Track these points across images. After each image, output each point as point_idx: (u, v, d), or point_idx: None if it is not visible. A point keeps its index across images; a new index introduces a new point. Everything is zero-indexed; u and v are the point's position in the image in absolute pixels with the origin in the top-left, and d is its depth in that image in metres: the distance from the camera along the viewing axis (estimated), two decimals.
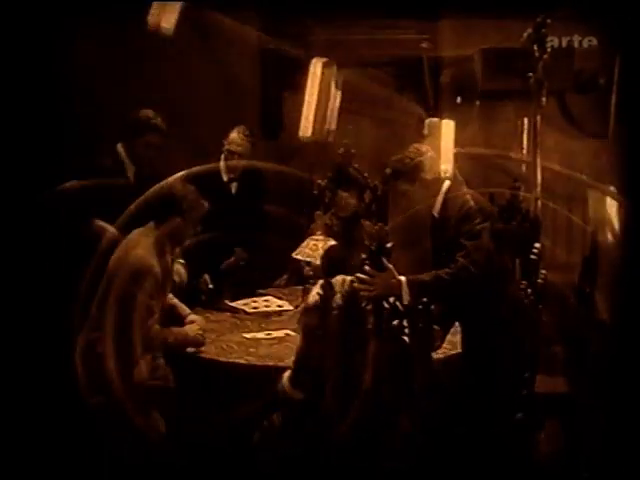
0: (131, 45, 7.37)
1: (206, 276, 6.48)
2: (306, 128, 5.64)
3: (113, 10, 6.99)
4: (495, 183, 6.58)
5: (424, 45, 8.04)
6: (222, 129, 6.83)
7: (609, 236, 5.42)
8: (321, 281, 5.05)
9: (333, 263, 5.12)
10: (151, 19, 5.70)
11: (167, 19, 5.69)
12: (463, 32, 7.88)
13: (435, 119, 5.73)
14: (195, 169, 6.29)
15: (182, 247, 5.69)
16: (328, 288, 4.98)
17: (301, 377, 4.98)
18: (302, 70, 6.19)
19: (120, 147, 6.42)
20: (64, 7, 6.88)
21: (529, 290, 5.45)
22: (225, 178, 6.72)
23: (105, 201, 6.05)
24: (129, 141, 6.38)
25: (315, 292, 5.04)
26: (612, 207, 5.49)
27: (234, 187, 6.76)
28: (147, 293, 5.35)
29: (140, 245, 5.46)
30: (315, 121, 5.58)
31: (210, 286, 6.46)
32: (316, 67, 5.58)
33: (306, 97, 5.62)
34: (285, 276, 6.92)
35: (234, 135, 6.66)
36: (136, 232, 5.56)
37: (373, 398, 4.87)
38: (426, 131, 5.67)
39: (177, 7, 5.70)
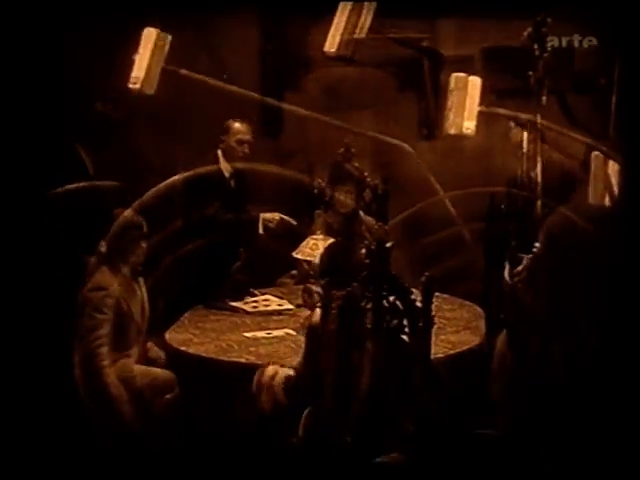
0: (130, 45, 7.38)
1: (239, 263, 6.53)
2: (332, 44, 5.64)
3: (113, 10, 7.00)
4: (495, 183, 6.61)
5: (424, 45, 8.03)
6: (222, 129, 6.83)
7: (607, 200, 5.37)
8: (322, 281, 5.05)
9: (332, 261, 5.12)
10: (132, 86, 5.76)
11: (149, 86, 5.75)
12: (463, 32, 7.88)
13: (462, 74, 5.66)
14: (197, 171, 6.31)
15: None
16: (328, 287, 4.98)
17: (300, 386, 5.01)
18: (302, 70, 6.20)
19: None
20: (64, 8, 6.90)
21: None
22: (227, 174, 6.73)
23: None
24: None
25: (319, 310, 5.07)
26: (613, 171, 5.44)
27: (233, 182, 6.76)
28: (93, 308, 5.55)
29: (96, 273, 5.73)
30: (342, 38, 5.57)
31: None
32: (345, 6, 5.60)
33: (335, 18, 5.61)
34: (288, 274, 6.92)
35: (237, 125, 6.67)
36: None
37: (372, 398, 4.86)
38: (452, 85, 5.61)
39: (157, 73, 5.75)
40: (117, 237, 5.71)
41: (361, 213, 6.66)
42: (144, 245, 5.78)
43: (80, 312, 5.64)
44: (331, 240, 6.07)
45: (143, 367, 5.73)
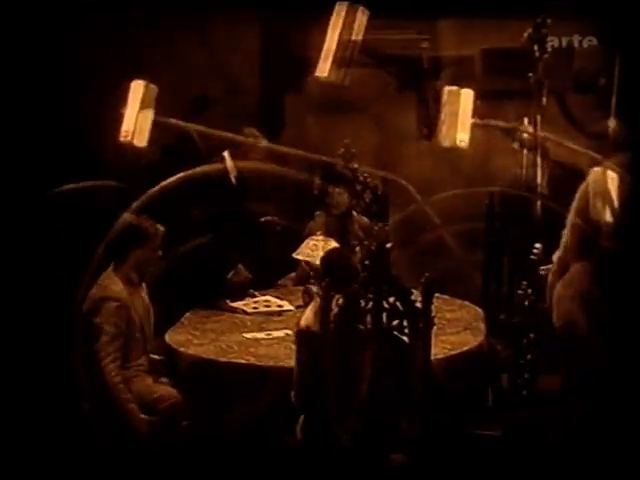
0: (130, 45, 7.39)
1: (241, 266, 6.51)
2: (323, 68, 5.64)
3: (114, 11, 7.01)
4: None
5: (424, 45, 8.03)
6: (222, 129, 6.82)
7: (608, 215, 5.39)
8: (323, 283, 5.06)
9: (332, 266, 5.13)
10: (123, 139, 5.78)
11: (140, 138, 5.78)
12: (463, 32, 7.88)
13: (454, 87, 5.70)
14: (200, 169, 6.30)
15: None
16: (328, 290, 4.98)
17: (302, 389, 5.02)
18: (302, 70, 6.19)
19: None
20: (64, 9, 6.91)
21: (529, 290, 5.46)
22: (233, 178, 6.72)
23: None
24: None
25: (307, 313, 5.07)
26: (613, 185, 5.46)
27: (238, 185, 6.76)
28: (107, 320, 5.43)
29: (105, 278, 5.60)
30: (333, 63, 5.57)
31: (250, 276, 6.50)
32: (340, 10, 5.57)
33: (327, 39, 5.60)
34: (288, 276, 6.92)
35: (252, 131, 6.68)
36: (101, 277, 5.65)
37: (372, 399, 4.86)
38: (444, 98, 5.64)
39: (147, 125, 5.78)
40: (132, 245, 5.61)
41: (354, 213, 6.65)
42: (160, 254, 5.72)
43: (86, 320, 5.51)
44: (331, 241, 6.07)
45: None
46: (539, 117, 5.47)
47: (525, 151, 5.78)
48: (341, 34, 5.51)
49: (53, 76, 7.28)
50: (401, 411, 4.95)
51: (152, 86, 5.81)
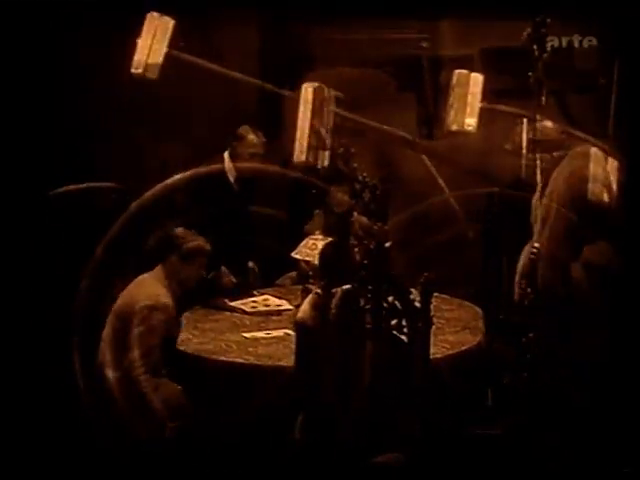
0: (130, 45, 7.38)
1: (224, 268, 6.49)
2: (300, 154, 5.63)
3: (111, 10, 7.01)
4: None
5: (424, 45, 8.03)
6: (222, 129, 6.82)
7: (606, 197, 5.40)
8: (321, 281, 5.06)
9: (328, 261, 5.13)
10: (135, 71, 5.74)
11: (151, 70, 5.74)
12: (463, 32, 7.88)
13: (464, 70, 5.68)
14: (201, 170, 6.30)
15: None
16: (327, 288, 4.99)
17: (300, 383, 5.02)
18: (302, 70, 6.19)
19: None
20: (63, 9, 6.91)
21: (529, 289, 5.45)
22: (232, 179, 6.72)
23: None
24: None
25: (305, 306, 5.07)
26: (613, 168, 5.46)
27: (237, 186, 6.75)
28: (153, 330, 5.39)
29: (152, 285, 5.54)
30: (309, 146, 5.57)
31: (234, 280, 6.48)
32: (307, 92, 5.55)
33: (299, 122, 5.55)
34: (287, 275, 6.92)
35: (252, 137, 6.65)
36: (145, 276, 5.62)
37: (372, 399, 4.86)
38: (454, 81, 5.63)
39: (160, 57, 5.73)
40: (183, 261, 5.57)
41: (355, 214, 6.65)
42: (203, 272, 5.72)
43: (122, 325, 5.45)
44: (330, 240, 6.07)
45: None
46: (539, 117, 5.46)
47: (524, 150, 5.77)
48: (312, 117, 5.51)
49: (53, 76, 7.28)
50: (400, 411, 4.95)
51: (167, 18, 5.72)
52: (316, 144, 5.49)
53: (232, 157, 6.68)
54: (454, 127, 5.42)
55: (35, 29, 7.06)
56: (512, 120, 5.83)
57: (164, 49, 5.69)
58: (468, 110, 5.47)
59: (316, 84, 5.50)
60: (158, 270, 5.60)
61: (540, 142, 5.40)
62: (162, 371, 5.52)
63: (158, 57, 5.68)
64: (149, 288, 5.53)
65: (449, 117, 5.56)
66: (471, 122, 5.43)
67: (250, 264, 6.72)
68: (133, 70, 5.68)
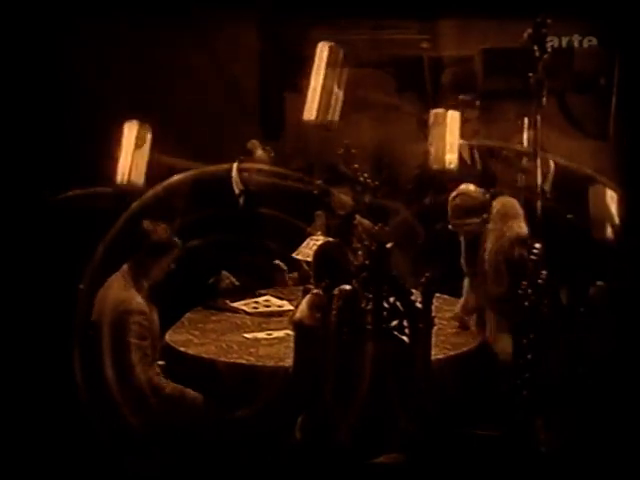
0: (130, 46, 7.39)
1: (225, 272, 6.48)
2: (310, 111, 5.61)
3: (112, 12, 7.02)
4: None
5: (424, 45, 8.04)
6: (222, 129, 6.82)
7: (609, 231, 5.43)
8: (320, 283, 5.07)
9: (322, 262, 5.14)
10: (120, 181, 5.81)
11: (136, 178, 5.80)
12: (463, 32, 7.89)
13: (441, 109, 5.75)
14: (207, 169, 6.30)
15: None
16: (326, 289, 4.99)
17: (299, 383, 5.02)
18: (302, 70, 6.18)
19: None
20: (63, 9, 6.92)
21: (529, 290, 5.46)
22: (237, 191, 6.69)
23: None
24: None
25: (302, 306, 5.07)
26: (613, 202, 5.51)
27: (242, 199, 6.72)
28: (136, 334, 5.34)
29: (119, 287, 5.46)
30: (320, 105, 5.56)
31: (235, 282, 6.47)
32: (323, 50, 5.54)
33: (312, 81, 5.56)
34: (288, 275, 6.91)
35: (260, 153, 6.62)
36: (113, 278, 5.53)
37: (372, 399, 4.87)
38: (431, 120, 5.70)
39: (143, 165, 5.79)
40: (150, 256, 5.48)
41: (357, 216, 6.65)
42: (172, 266, 5.61)
43: (113, 335, 5.35)
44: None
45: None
46: (539, 117, 5.46)
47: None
48: (325, 77, 5.52)
49: (54, 81, 7.30)
50: (401, 411, 4.95)
51: (145, 125, 5.88)
52: (326, 105, 5.51)
53: (239, 170, 6.65)
54: (436, 166, 5.60)
55: (35, 29, 7.08)
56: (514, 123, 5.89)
57: (146, 155, 5.80)
58: (447, 147, 5.64)
59: (332, 43, 5.53)
60: (125, 269, 5.52)
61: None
62: (156, 369, 5.51)
63: (141, 165, 5.78)
64: (119, 293, 5.44)
65: (430, 156, 5.75)
66: (452, 158, 5.64)
67: (276, 262, 6.70)
68: (119, 181, 5.80)
